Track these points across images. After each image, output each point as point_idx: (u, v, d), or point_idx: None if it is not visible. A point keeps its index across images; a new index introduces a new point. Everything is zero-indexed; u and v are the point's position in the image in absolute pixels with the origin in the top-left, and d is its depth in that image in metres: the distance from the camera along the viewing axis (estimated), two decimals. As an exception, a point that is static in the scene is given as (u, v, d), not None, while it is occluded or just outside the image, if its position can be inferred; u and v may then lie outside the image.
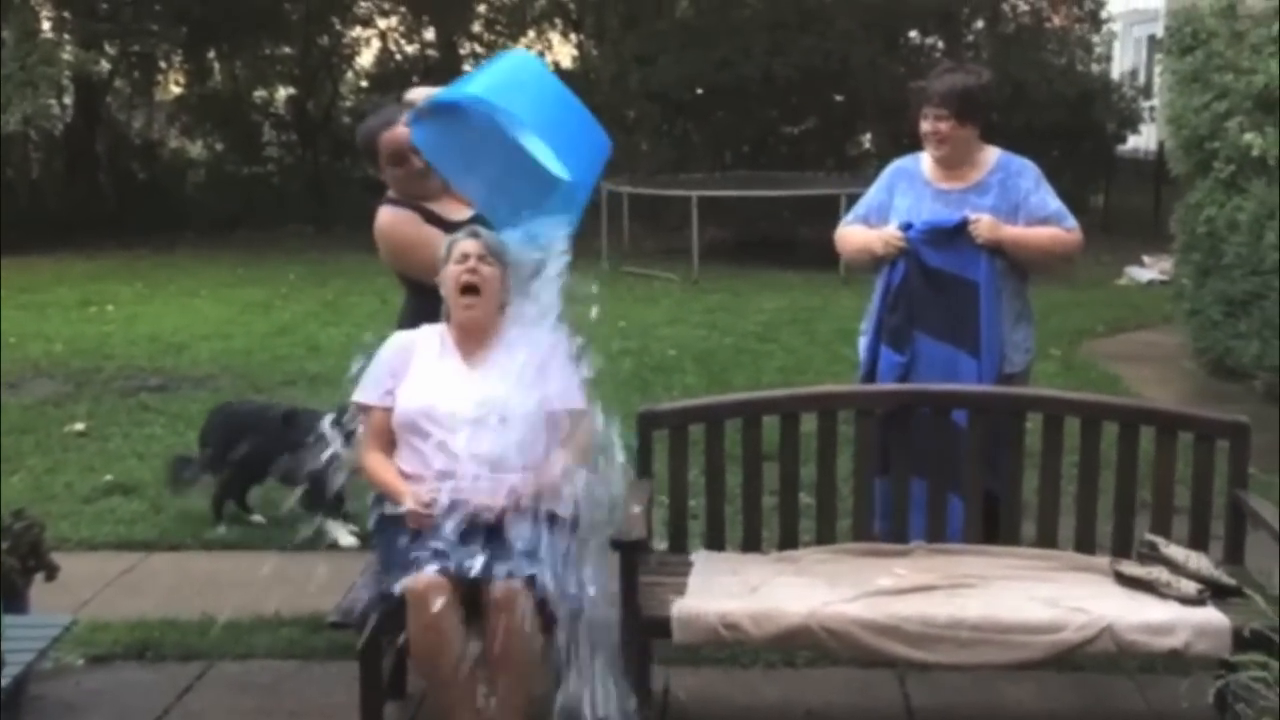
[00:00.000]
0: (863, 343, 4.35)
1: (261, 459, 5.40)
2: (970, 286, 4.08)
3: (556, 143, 3.49)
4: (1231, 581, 3.45)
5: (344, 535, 5.17)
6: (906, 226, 4.16)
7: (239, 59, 19.45)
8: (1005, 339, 4.15)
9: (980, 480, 3.89)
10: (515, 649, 3.27)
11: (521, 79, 3.68)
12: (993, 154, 4.28)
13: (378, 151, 3.95)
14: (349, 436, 4.82)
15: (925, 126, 4.21)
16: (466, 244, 3.60)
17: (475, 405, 3.49)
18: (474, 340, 3.62)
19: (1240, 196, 7.59)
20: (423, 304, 3.87)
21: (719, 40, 16.00)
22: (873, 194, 4.38)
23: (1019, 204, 4.17)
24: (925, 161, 4.31)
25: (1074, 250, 4.26)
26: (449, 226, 3.85)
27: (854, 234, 4.35)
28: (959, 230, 4.09)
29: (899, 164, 4.42)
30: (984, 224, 4.07)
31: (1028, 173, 4.25)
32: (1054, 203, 4.22)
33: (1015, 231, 4.12)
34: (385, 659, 3.54)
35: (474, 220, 3.83)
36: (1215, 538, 3.75)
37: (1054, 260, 4.28)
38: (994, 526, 3.92)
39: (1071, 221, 4.21)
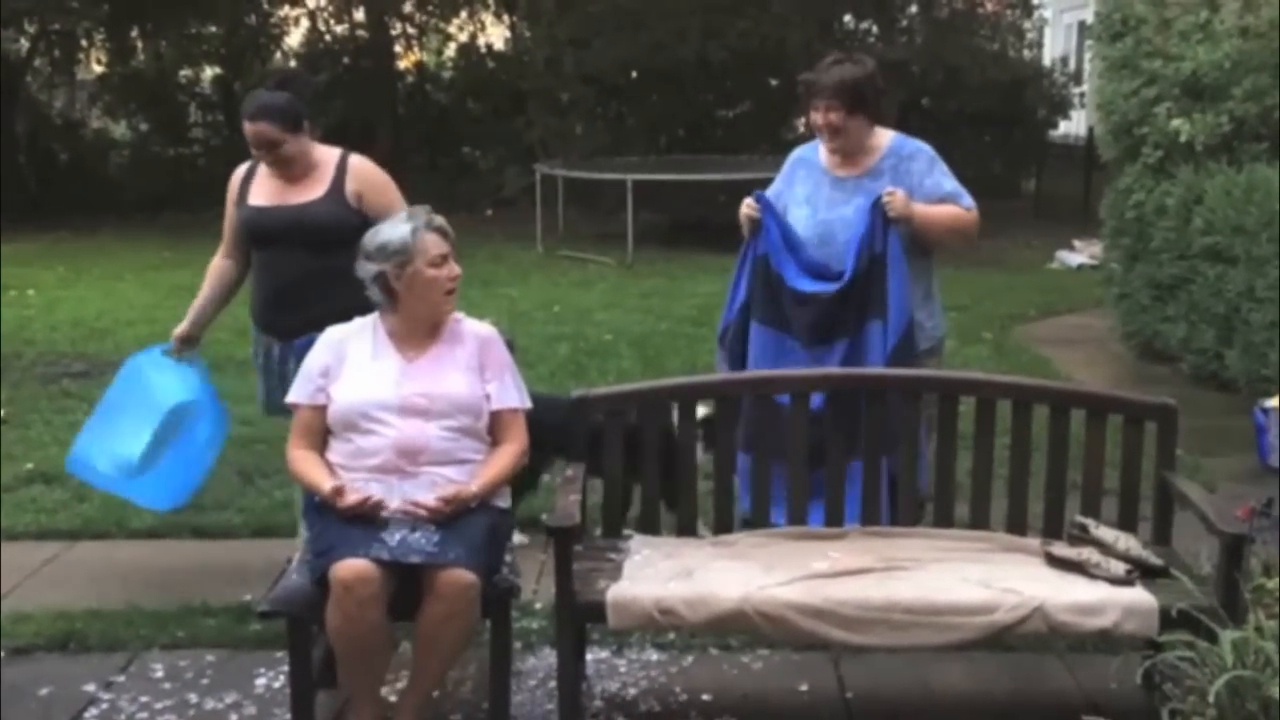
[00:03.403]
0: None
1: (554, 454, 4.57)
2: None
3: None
4: (1159, 562, 3.50)
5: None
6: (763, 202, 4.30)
7: (163, 38, 19.02)
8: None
9: (908, 460, 3.90)
10: (448, 636, 3.24)
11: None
12: (885, 138, 4.29)
13: None
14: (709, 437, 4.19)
15: (817, 119, 4.23)
16: (439, 243, 3.50)
17: (415, 400, 3.43)
18: (416, 336, 3.54)
19: (1168, 182, 7.70)
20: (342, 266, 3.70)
21: (654, 23, 15.94)
22: (774, 185, 4.42)
23: (913, 188, 4.20)
24: (822, 149, 4.33)
25: (972, 228, 4.29)
26: (247, 210, 4.30)
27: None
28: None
29: (798, 153, 4.45)
30: (898, 199, 4.11)
31: (920, 156, 4.27)
32: (948, 183, 4.26)
33: (922, 208, 4.17)
34: (316, 648, 3.48)
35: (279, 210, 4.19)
36: (1143, 519, 3.80)
37: (956, 238, 4.30)
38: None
39: (968, 200, 4.27)
